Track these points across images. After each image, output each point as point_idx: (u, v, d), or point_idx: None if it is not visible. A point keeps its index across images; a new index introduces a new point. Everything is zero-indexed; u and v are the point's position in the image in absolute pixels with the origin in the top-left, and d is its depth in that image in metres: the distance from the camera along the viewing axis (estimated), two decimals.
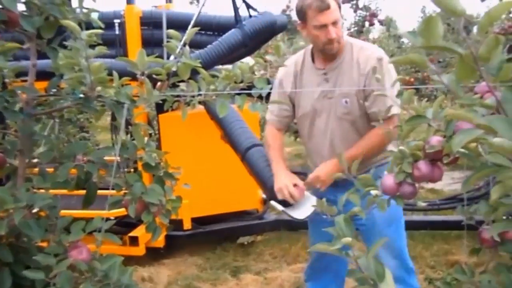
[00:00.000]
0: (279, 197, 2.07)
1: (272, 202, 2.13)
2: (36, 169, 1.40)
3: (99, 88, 1.26)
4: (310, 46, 2.21)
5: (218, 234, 3.98)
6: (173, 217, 1.43)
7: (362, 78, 2.04)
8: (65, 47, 1.29)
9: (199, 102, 1.41)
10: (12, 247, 1.27)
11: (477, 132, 0.75)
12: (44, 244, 1.30)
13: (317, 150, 2.22)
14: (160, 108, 3.75)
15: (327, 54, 2.09)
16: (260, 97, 1.41)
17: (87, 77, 1.20)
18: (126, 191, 1.36)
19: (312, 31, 2.03)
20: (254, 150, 2.48)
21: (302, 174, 5.22)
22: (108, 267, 1.23)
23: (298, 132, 2.38)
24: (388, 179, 1.24)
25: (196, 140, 3.74)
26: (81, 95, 1.29)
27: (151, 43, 3.65)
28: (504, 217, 1.08)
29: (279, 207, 2.08)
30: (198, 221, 3.86)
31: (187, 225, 3.78)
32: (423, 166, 1.18)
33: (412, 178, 1.22)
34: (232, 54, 3.45)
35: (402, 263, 2.27)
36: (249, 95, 1.40)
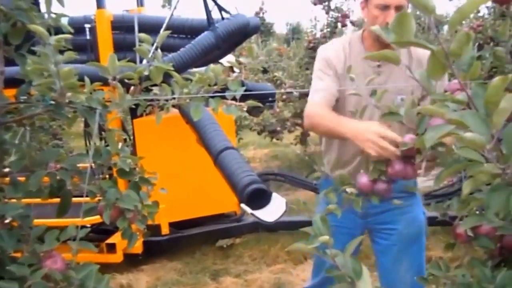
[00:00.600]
0: (371, 146, 1.48)
1: (242, 205, 2.10)
2: (7, 179, 1.36)
3: (69, 94, 1.23)
4: (358, 32, 2.07)
5: (196, 238, 3.96)
6: (151, 222, 1.41)
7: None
8: (34, 53, 1.26)
9: (173, 106, 1.39)
10: None
11: (449, 128, 0.76)
12: (18, 255, 1.27)
13: (355, 149, 1.92)
14: (134, 113, 3.72)
15: (381, 42, 1.90)
16: (234, 99, 1.40)
17: (56, 83, 1.18)
18: (100, 198, 1.34)
19: (372, 10, 1.88)
20: (226, 153, 2.47)
21: (279, 175, 5.23)
22: (84, 276, 1.21)
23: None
24: (363, 177, 1.26)
25: (172, 144, 3.72)
26: (52, 102, 1.26)
27: (123, 48, 3.61)
28: (477, 212, 1.10)
29: (248, 210, 2.02)
30: (176, 226, 3.83)
31: (165, 230, 3.75)
32: (396, 164, 1.20)
33: (386, 175, 1.24)
34: (205, 57, 3.44)
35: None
36: (223, 97, 1.39)
